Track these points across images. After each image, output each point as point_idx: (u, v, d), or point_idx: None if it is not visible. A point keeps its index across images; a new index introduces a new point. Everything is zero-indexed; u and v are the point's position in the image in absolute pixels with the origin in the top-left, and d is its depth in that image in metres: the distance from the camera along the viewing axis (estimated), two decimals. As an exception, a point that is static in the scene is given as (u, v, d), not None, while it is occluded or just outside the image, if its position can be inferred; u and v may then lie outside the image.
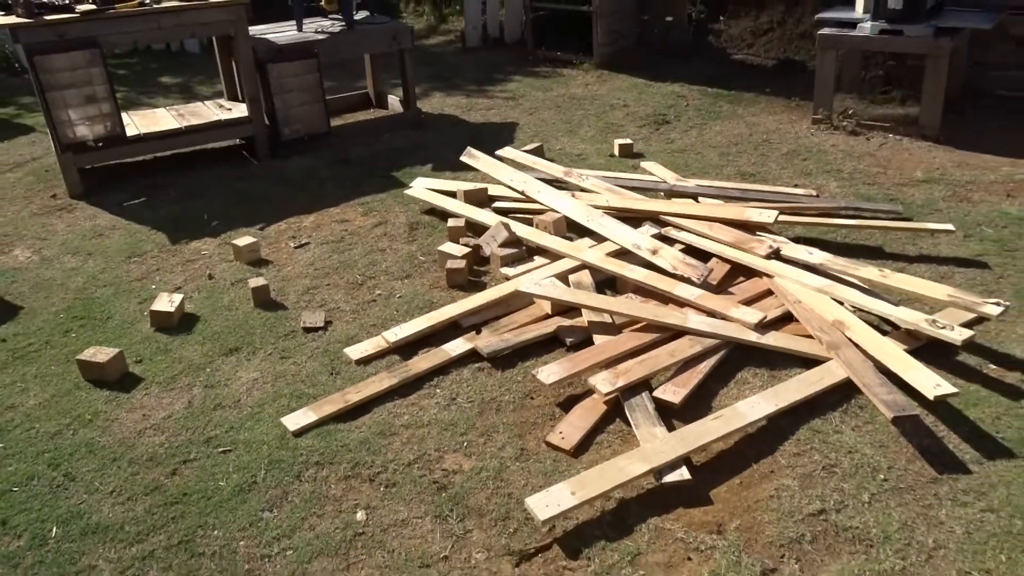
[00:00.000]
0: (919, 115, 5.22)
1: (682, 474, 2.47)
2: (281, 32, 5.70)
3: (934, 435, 2.64)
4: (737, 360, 3.05)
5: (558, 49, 7.57)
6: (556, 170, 4.61)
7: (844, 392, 2.82)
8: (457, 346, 3.19)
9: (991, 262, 3.66)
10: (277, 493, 2.54)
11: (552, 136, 5.69)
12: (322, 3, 5.90)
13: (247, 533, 2.40)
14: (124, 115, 5.22)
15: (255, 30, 5.66)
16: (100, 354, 3.12)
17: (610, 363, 2.97)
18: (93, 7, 4.73)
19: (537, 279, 3.46)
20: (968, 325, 3.08)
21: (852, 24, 5.27)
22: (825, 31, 5.35)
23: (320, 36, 5.56)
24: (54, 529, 2.43)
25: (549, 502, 2.34)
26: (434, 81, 7.31)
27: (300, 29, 5.73)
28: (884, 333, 3.09)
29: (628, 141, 5.27)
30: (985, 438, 2.61)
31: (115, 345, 3.24)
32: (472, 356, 3.17)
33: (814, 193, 4.43)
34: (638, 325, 3.17)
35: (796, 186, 4.58)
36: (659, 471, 2.47)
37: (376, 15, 6.12)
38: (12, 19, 4.59)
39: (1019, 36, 5.51)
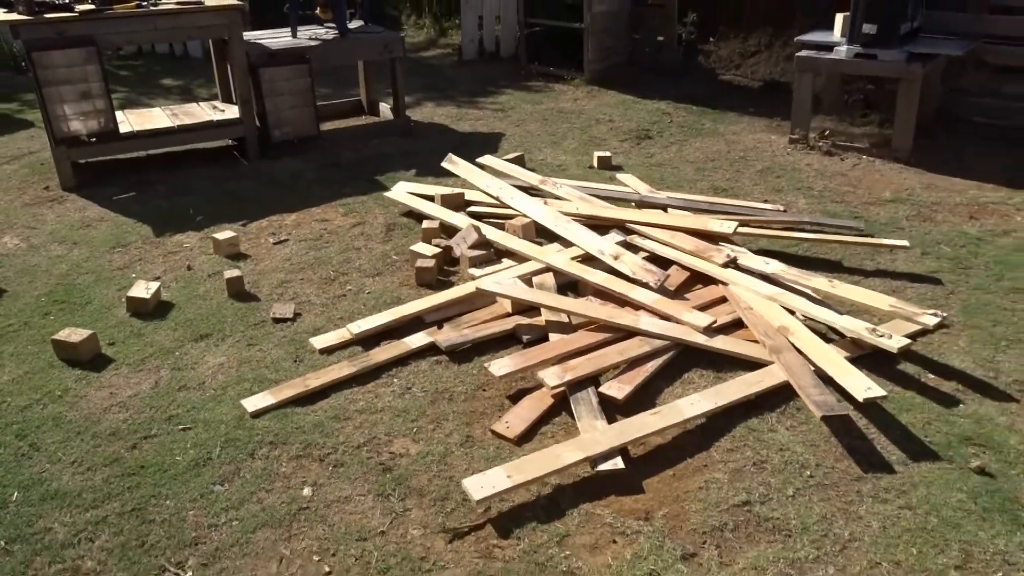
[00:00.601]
0: (892, 138, 5.35)
1: (616, 463, 2.57)
2: (276, 38, 5.87)
3: (865, 437, 2.74)
4: (685, 362, 3.16)
5: (551, 64, 7.74)
6: (532, 178, 4.75)
7: (785, 395, 2.93)
8: (417, 339, 3.31)
9: (944, 279, 3.77)
10: (230, 469, 2.66)
11: (535, 147, 5.83)
12: (317, 11, 6.08)
13: (197, 504, 2.51)
14: (119, 113, 5.38)
15: (251, 35, 5.83)
16: (74, 335, 3.25)
17: (561, 359, 3.08)
18: (91, 7, 4.91)
19: (499, 278, 3.59)
20: (913, 337, 3.20)
21: (829, 47, 5.41)
22: (803, 53, 5.50)
23: (313, 43, 5.73)
24: (15, 494, 2.55)
25: (484, 484, 2.44)
26: (428, 91, 7.48)
27: (295, 35, 5.90)
28: (830, 340, 3.20)
29: (607, 153, 5.41)
30: (913, 441, 2.71)
31: (91, 328, 3.37)
32: (432, 349, 3.29)
33: (782, 209, 4.55)
34: (592, 325, 3.28)
35: (766, 201, 4.70)
36: (595, 460, 2.58)
37: (370, 25, 6.29)
38: (13, 16, 4.77)
39: (994, 64, 5.65)
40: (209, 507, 2.50)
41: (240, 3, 5.27)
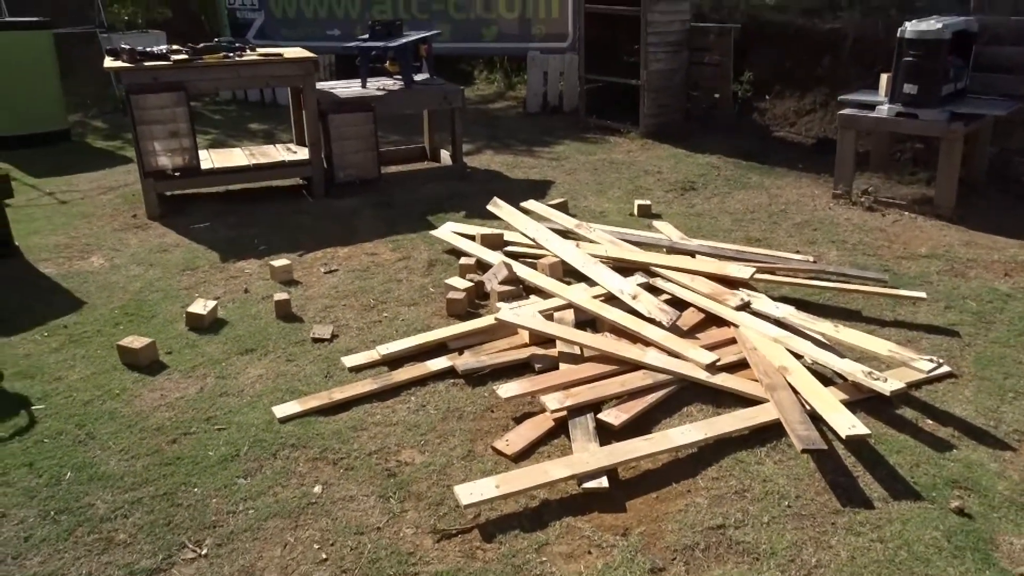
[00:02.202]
0: (934, 195, 5.37)
1: (601, 482, 2.74)
2: (346, 88, 6.38)
3: (850, 474, 2.82)
4: (687, 396, 3.30)
5: (608, 118, 8.04)
6: (569, 222, 5.00)
7: (776, 432, 3.03)
8: (438, 363, 3.56)
9: (964, 331, 3.80)
10: (254, 465, 2.95)
11: (581, 194, 6.09)
12: (387, 64, 6.58)
13: (221, 493, 2.80)
14: (203, 151, 5.95)
15: (325, 84, 6.36)
16: (136, 342, 3.65)
17: (566, 387, 3.27)
18: (184, 57, 5.50)
19: (520, 311, 3.82)
20: (917, 384, 3.26)
21: (871, 106, 5.51)
22: (846, 111, 5.61)
23: (379, 93, 6.20)
24: (68, 473, 2.90)
25: (474, 491, 2.65)
26: (490, 140, 7.88)
27: (364, 86, 6.40)
28: (833, 383, 3.29)
29: (647, 202, 5.62)
30: (898, 481, 2.78)
31: (152, 338, 3.76)
32: (450, 373, 3.53)
33: (812, 260, 4.65)
34: (601, 357, 3.47)
35: (797, 252, 4.80)
36: (581, 478, 2.75)
37: (434, 77, 6.75)
38: (118, 64, 5.40)
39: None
40: (230, 496, 2.78)
41: (313, 56, 5.79)
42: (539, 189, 6.23)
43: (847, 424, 2.83)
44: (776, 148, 7.26)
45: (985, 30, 5.68)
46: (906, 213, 5.46)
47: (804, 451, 2.76)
